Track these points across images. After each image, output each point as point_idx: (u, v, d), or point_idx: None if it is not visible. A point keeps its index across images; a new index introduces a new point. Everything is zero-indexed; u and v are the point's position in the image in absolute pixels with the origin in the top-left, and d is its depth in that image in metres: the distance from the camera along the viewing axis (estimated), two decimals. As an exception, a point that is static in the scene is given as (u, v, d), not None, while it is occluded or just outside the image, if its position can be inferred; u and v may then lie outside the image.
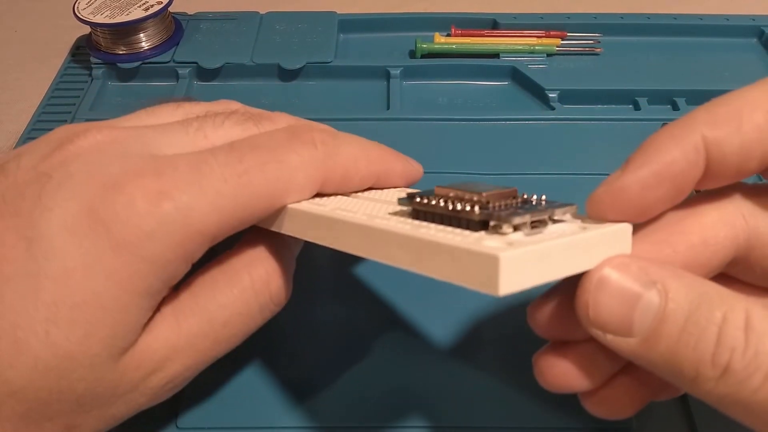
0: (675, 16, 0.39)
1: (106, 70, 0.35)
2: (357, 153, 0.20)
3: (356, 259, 0.26)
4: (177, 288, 0.18)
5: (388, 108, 0.34)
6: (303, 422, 0.21)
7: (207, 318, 0.18)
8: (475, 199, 0.15)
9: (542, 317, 0.17)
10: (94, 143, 0.17)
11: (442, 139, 0.32)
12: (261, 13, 0.39)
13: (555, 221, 0.16)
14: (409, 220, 0.16)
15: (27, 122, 0.33)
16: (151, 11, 0.34)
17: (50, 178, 0.16)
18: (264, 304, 0.19)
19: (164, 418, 0.21)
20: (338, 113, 0.33)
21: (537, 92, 0.35)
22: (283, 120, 0.21)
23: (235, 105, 0.22)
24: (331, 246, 0.17)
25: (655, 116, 0.33)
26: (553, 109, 0.33)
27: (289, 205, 0.18)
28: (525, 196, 0.16)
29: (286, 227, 0.18)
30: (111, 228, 0.15)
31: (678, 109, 0.33)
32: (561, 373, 0.17)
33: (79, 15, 0.34)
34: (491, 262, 0.13)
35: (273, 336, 0.23)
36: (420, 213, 0.16)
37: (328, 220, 0.17)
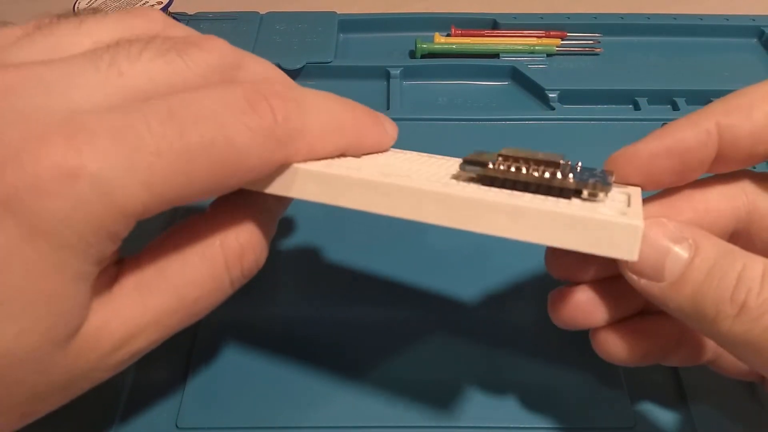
0: (675, 16, 0.39)
1: (106, 70, 0.35)
2: (328, 126, 0.17)
3: (355, 257, 0.26)
4: (140, 255, 0.17)
5: (388, 108, 0.34)
6: (303, 422, 0.21)
7: (176, 296, 0.17)
8: (559, 164, 0.16)
9: (559, 259, 0.18)
10: None
11: (442, 139, 0.32)
12: (261, 13, 0.39)
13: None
14: (483, 187, 0.16)
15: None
16: (151, 11, 0.34)
17: None
18: (235, 279, 0.18)
19: (164, 417, 0.21)
20: (338, 113, 0.33)
21: (537, 92, 0.35)
22: (215, 48, 0.17)
23: (154, 18, 0.18)
24: (400, 216, 0.16)
25: (655, 116, 0.33)
26: (553, 109, 0.33)
27: (322, 169, 0.16)
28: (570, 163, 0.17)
29: (313, 193, 0.16)
30: (18, 214, 0.13)
31: (678, 109, 0.33)
32: (573, 306, 0.18)
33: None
34: (632, 231, 0.14)
35: (272, 335, 0.23)
36: (494, 180, 0.16)
37: (401, 189, 0.15)
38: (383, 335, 0.23)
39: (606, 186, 0.15)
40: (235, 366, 0.23)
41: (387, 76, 0.36)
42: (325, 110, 0.18)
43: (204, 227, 0.17)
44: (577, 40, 0.37)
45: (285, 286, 0.25)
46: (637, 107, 0.34)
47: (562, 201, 0.15)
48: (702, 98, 0.34)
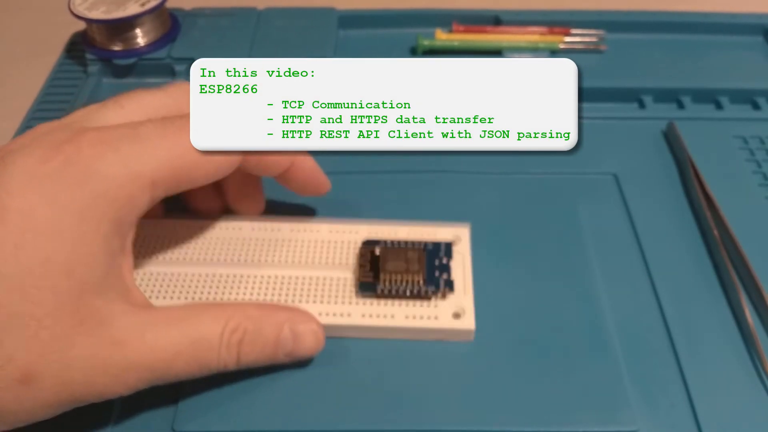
0: (680, 14, 0.39)
1: (101, 67, 0.35)
2: None
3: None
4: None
5: (388, 105, 0.33)
6: (299, 427, 0.21)
7: (193, 340, 0.20)
8: (417, 272, 0.23)
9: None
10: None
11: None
12: (259, 8, 0.39)
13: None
14: (376, 302, 0.23)
15: (21, 119, 0.33)
16: (147, 6, 0.34)
17: (11, 151, 0.19)
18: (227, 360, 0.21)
19: (160, 421, 0.21)
20: (337, 111, 0.32)
21: (540, 90, 0.34)
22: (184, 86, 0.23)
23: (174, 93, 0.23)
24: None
25: (660, 114, 0.32)
26: (556, 107, 0.33)
27: None
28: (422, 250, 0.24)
29: None
30: (63, 171, 0.18)
31: (683, 108, 0.33)
32: None
33: (74, 11, 0.34)
34: (469, 333, 0.23)
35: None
36: (384, 295, 0.23)
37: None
38: (382, 338, 0.23)
39: (441, 295, 0.23)
40: (231, 371, 0.22)
41: (387, 73, 0.35)
42: None
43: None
44: (581, 37, 0.37)
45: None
46: (642, 105, 0.33)
47: (425, 304, 0.23)
48: (708, 96, 0.33)
